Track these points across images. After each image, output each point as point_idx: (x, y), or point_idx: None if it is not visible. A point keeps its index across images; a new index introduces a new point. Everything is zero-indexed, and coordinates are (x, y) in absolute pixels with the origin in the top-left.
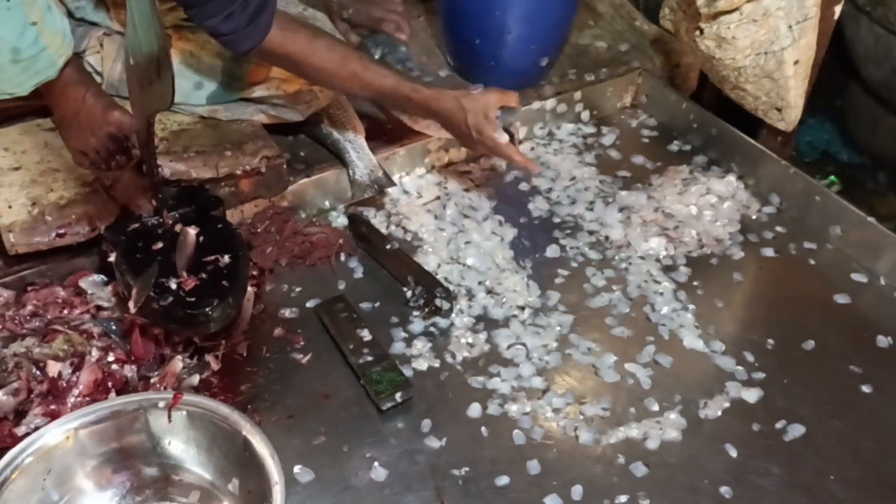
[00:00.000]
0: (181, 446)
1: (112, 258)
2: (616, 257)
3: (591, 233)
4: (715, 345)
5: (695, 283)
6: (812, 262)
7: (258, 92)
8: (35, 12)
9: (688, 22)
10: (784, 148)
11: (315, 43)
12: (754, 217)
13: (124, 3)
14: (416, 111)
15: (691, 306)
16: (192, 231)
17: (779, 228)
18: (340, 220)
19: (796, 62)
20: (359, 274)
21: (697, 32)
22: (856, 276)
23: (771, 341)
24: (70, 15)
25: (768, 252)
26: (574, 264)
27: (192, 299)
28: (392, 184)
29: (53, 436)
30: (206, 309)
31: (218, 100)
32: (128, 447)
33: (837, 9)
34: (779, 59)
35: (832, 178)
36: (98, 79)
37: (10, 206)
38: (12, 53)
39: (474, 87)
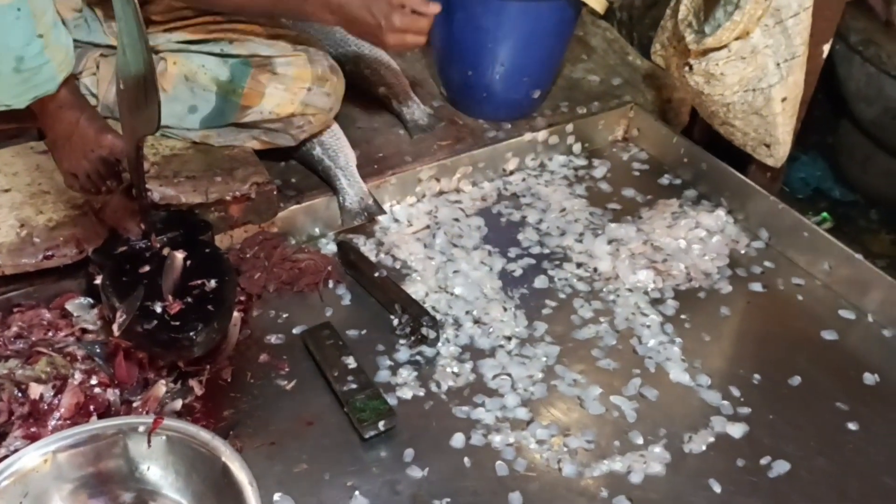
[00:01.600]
0: (159, 472)
1: (98, 281)
2: (604, 289)
3: (579, 264)
4: (701, 379)
5: (682, 317)
6: (800, 297)
7: (252, 116)
8: (43, 25)
9: (678, 57)
10: (773, 183)
11: None
12: (743, 252)
13: None
14: (316, 12)
15: (678, 339)
16: (179, 255)
17: (767, 263)
18: (330, 247)
19: (784, 99)
20: (346, 301)
21: (687, 68)
22: (843, 313)
23: (757, 376)
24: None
25: (756, 287)
26: (562, 295)
27: (177, 323)
28: (382, 212)
29: (31, 459)
30: (191, 333)
31: (211, 123)
32: (105, 472)
33: (825, 48)
34: (767, 96)
35: (824, 214)
36: (93, 100)
37: None
38: (16, 62)
39: None
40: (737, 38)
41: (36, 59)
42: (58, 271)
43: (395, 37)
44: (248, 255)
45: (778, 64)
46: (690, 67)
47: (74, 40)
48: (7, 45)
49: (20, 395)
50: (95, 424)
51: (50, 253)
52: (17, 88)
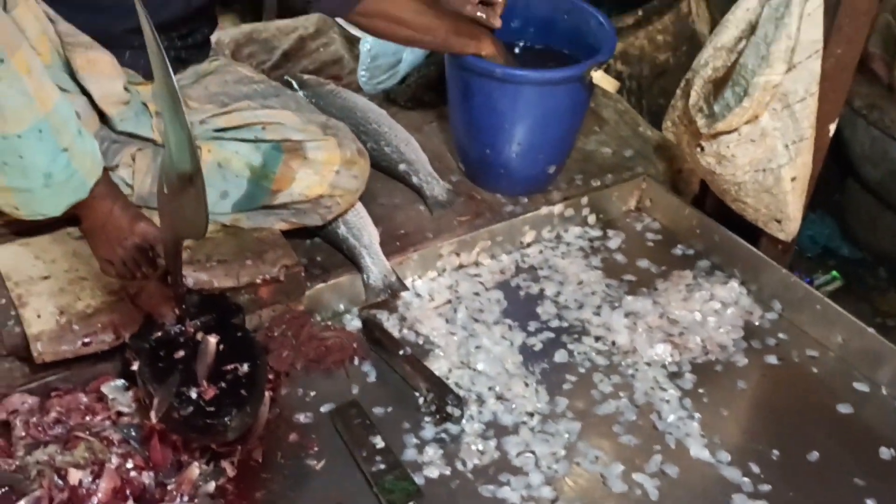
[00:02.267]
0: None
1: (135, 366)
2: (623, 363)
3: (597, 338)
4: (721, 455)
5: (700, 391)
6: (815, 370)
7: (282, 199)
8: (66, 138)
9: (689, 136)
10: (784, 255)
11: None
12: (757, 323)
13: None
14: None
15: (697, 414)
16: (212, 340)
17: (781, 335)
18: (354, 323)
19: (794, 179)
20: (372, 378)
21: (698, 149)
22: (858, 386)
23: (776, 452)
24: (112, 128)
25: (771, 359)
26: (582, 370)
27: (212, 409)
28: (405, 288)
29: None
30: (225, 419)
31: (242, 207)
32: None
33: (832, 127)
34: (777, 176)
35: (834, 273)
36: (128, 190)
37: (38, 316)
38: (45, 179)
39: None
40: (746, 122)
41: (64, 173)
42: (94, 355)
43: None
44: (275, 334)
45: (787, 145)
46: (702, 148)
47: (119, 133)
48: (34, 165)
49: (59, 481)
50: None
51: (88, 340)
52: (49, 200)
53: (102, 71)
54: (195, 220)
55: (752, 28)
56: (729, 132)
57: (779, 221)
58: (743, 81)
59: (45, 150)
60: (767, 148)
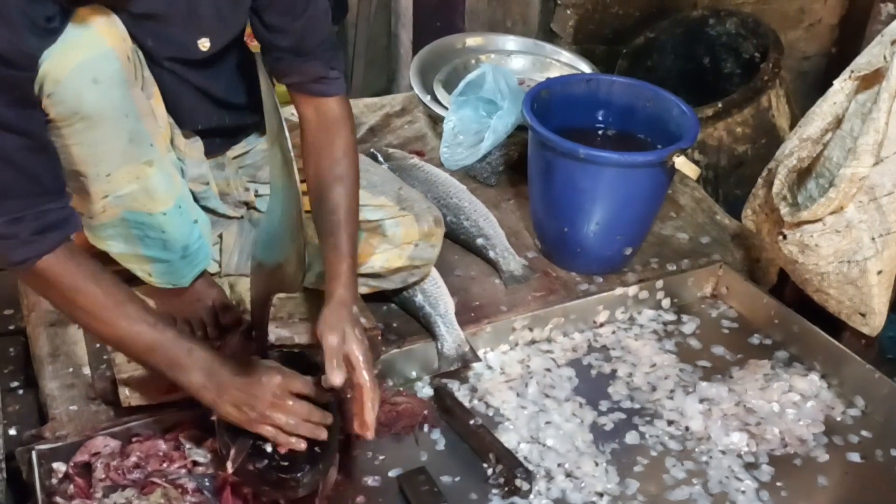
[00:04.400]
0: None
1: (214, 418)
2: (696, 449)
3: (670, 422)
4: None
5: (778, 484)
6: None
7: (363, 269)
8: (194, 212)
9: (770, 225)
10: (868, 350)
11: (94, 279)
12: (839, 419)
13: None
14: (190, 371)
15: None
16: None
17: (864, 433)
18: (426, 391)
19: (880, 272)
20: (441, 446)
21: (780, 237)
22: None
23: None
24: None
25: (854, 457)
26: (654, 453)
27: (286, 464)
28: (478, 359)
29: None
30: (298, 474)
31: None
32: None
33: None
34: (862, 269)
35: None
36: (216, 266)
37: (129, 361)
38: (183, 251)
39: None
40: (832, 213)
41: (197, 244)
42: (176, 404)
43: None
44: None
45: (873, 238)
46: (784, 237)
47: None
48: (175, 239)
49: None
50: None
51: (173, 387)
52: (183, 271)
53: (194, 156)
54: (293, 274)
55: (839, 121)
56: (813, 222)
57: (863, 315)
58: (828, 173)
59: (183, 225)
60: (853, 240)
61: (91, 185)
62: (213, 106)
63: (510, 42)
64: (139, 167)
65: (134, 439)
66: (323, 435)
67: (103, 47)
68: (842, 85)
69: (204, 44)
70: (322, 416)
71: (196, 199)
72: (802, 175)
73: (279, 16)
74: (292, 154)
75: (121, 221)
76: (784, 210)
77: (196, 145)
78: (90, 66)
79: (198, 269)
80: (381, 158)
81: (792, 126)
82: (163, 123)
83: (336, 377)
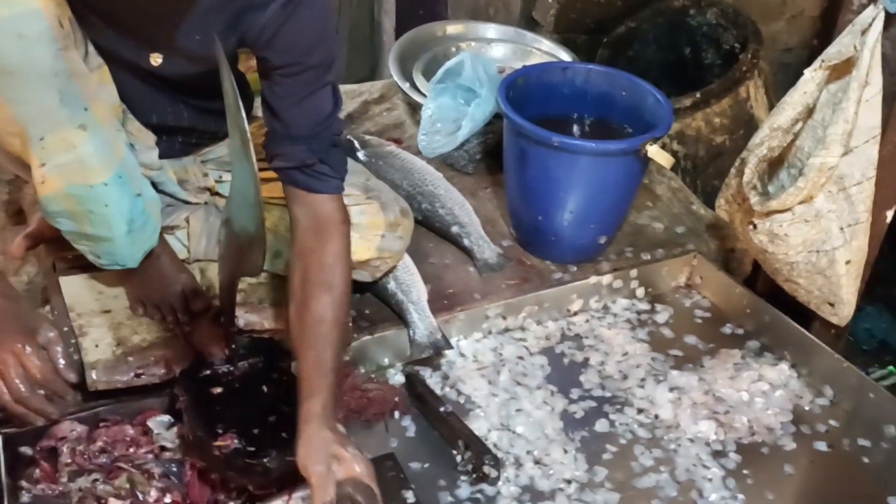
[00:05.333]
0: None
1: (182, 402)
2: (665, 437)
3: (640, 410)
4: None
5: (745, 472)
6: (866, 459)
7: None
8: (137, 184)
9: (742, 215)
10: (837, 340)
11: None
12: (807, 408)
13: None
14: None
15: (740, 496)
16: None
17: (832, 422)
18: (398, 378)
19: (848, 262)
20: (411, 433)
21: (751, 227)
22: None
23: None
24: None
25: (821, 446)
26: (623, 441)
27: (252, 449)
28: (450, 347)
29: None
30: (265, 460)
31: None
32: None
33: (889, 213)
34: (831, 258)
35: (890, 368)
36: (184, 252)
37: (96, 346)
38: (127, 225)
39: None
40: (801, 202)
41: (141, 218)
42: (143, 389)
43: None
44: None
45: (842, 228)
46: (755, 226)
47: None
48: (119, 213)
49: None
50: None
51: (141, 371)
52: (129, 249)
53: (145, 141)
54: (254, 257)
55: (810, 111)
56: (782, 211)
57: (832, 305)
58: (799, 163)
59: (126, 197)
60: (822, 229)
61: (29, 150)
62: (170, 103)
63: (491, 30)
64: (71, 132)
65: (101, 424)
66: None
67: (32, 5)
68: (812, 74)
69: (156, 59)
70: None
71: (154, 185)
72: (774, 165)
73: (275, 93)
74: (249, 135)
75: (65, 196)
76: (754, 199)
77: (147, 133)
78: (14, 22)
79: (145, 248)
80: (357, 145)
81: None
82: (108, 97)
83: None
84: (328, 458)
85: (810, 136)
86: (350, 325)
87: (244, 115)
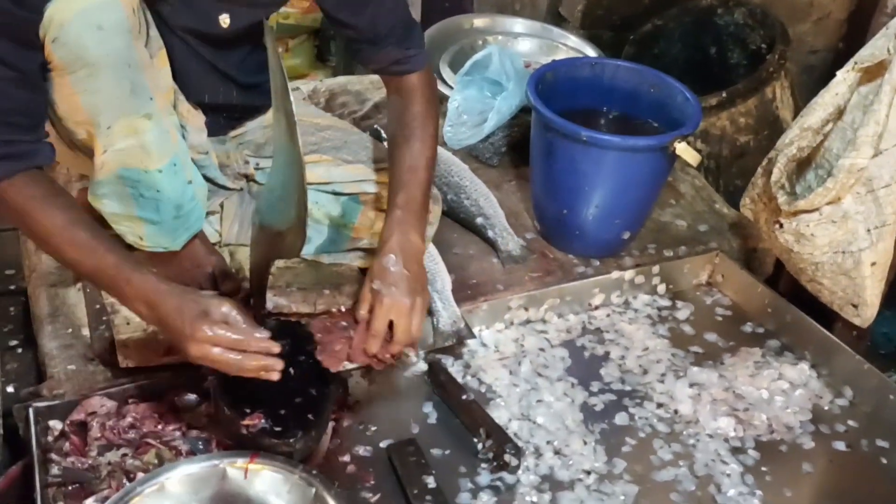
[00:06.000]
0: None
1: (209, 382)
2: (684, 432)
3: (660, 405)
4: None
5: (763, 469)
6: (884, 461)
7: (362, 244)
8: (189, 172)
9: (767, 214)
10: (859, 342)
11: (46, 205)
12: (826, 408)
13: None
14: (133, 300)
15: (759, 492)
16: None
17: (851, 422)
18: (420, 366)
19: (874, 264)
20: (433, 419)
21: (777, 226)
22: None
23: None
24: None
25: (840, 446)
26: (642, 434)
27: (279, 429)
28: (472, 336)
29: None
30: (290, 440)
31: (324, 251)
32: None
33: None
34: (856, 260)
35: None
36: (216, 236)
37: (128, 323)
38: (176, 211)
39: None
40: (829, 203)
41: (190, 205)
42: (172, 367)
43: (197, 347)
44: (334, 330)
45: (868, 230)
46: (781, 225)
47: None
48: (168, 199)
49: (127, 483)
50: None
51: (171, 350)
52: (174, 233)
53: (195, 123)
54: (292, 240)
55: (840, 112)
56: (810, 211)
57: (855, 306)
58: (827, 164)
59: (177, 184)
60: (848, 230)
61: (95, 139)
62: (222, 82)
63: (518, 24)
64: (137, 120)
65: (130, 401)
66: (273, 375)
67: None
68: (844, 76)
69: (224, 20)
70: (268, 346)
71: (196, 167)
72: (802, 165)
73: (344, 12)
74: (296, 118)
75: (117, 179)
76: (782, 199)
77: (198, 114)
78: (94, 13)
79: (190, 233)
80: (384, 135)
81: (795, 117)
82: (165, 84)
83: (361, 309)
84: (381, 284)
85: (839, 137)
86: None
87: (291, 96)
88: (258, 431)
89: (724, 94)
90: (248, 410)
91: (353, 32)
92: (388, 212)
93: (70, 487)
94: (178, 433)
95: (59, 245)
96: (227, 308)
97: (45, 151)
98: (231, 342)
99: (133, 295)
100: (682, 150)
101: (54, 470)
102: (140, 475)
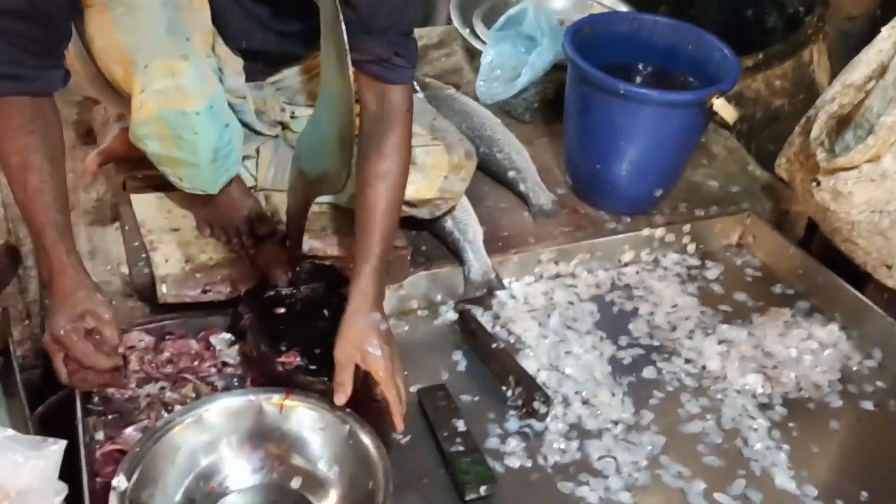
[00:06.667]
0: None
1: (245, 320)
2: (712, 387)
3: (688, 360)
4: (808, 489)
5: (790, 425)
6: None
7: None
8: (226, 115)
9: (804, 173)
10: (890, 305)
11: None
12: (855, 368)
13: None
14: (41, 263)
15: (785, 446)
16: None
17: (879, 383)
18: (450, 315)
19: None
20: (461, 367)
21: (814, 184)
22: None
23: (865, 494)
24: None
25: (867, 405)
26: (670, 388)
27: (314, 367)
28: (502, 287)
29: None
30: (325, 378)
31: None
32: (254, 430)
33: None
34: (893, 219)
35: None
36: (251, 181)
37: (166, 261)
38: (213, 154)
39: None
40: (868, 161)
41: (226, 148)
42: (208, 306)
43: (50, 340)
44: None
45: None
46: (818, 184)
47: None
48: (206, 141)
49: (166, 414)
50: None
51: (208, 288)
52: (212, 176)
53: (233, 66)
54: (336, 175)
55: (883, 70)
56: (849, 169)
57: (889, 267)
58: (866, 124)
59: (215, 127)
60: (887, 189)
61: (133, 77)
62: (260, 28)
63: None
64: (174, 60)
65: (167, 337)
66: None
67: None
68: (890, 32)
69: None
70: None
71: (232, 111)
72: (841, 124)
73: None
74: (346, 45)
75: (156, 119)
76: (821, 156)
77: (237, 58)
78: None
79: (228, 176)
80: (417, 88)
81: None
82: (203, 26)
83: (338, 398)
84: (355, 349)
85: (880, 96)
86: (409, 258)
87: (343, 27)
88: (294, 369)
89: (760, 56)
90: (283, 348)
91: (353, 13)
92: (357, 260)
93: (110, 417)
94: (213, 370)
95: (10, 181)
96: (103, 324)
97: (50, 79)
98: (79, 356)
99: (44, 259)
100: (720, 105)
101: (94, 399)
102: (178, 407)
